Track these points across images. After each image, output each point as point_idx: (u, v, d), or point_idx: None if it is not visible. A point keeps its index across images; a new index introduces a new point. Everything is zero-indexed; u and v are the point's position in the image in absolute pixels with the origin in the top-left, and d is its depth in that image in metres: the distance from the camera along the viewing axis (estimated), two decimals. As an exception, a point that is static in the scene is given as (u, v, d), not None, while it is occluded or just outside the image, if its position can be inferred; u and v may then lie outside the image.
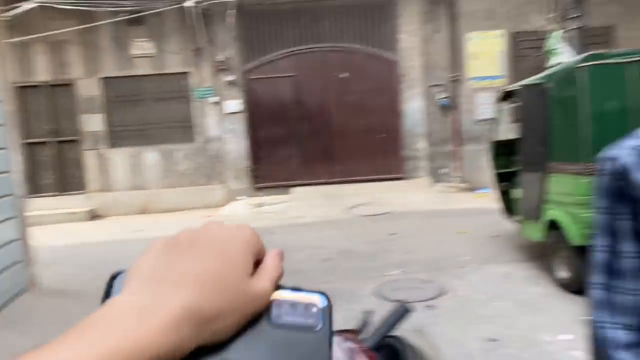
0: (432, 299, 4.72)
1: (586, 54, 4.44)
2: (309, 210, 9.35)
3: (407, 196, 9.97)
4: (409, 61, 10.79)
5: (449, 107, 10.84)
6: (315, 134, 10.95)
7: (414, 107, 10.94)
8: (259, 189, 11.02)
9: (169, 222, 9.52)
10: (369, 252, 6.46)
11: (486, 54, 10.56)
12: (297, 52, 10.74)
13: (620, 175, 0.96)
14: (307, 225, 8.37)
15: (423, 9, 10.64)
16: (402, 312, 1.42)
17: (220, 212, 10.09)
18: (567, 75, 4.48)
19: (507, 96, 6.01)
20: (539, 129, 4.87)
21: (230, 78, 10.64)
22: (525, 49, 10.51)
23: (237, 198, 10.84)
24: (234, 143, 10.93)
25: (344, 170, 11.01)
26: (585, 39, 8.90)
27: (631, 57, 4.37)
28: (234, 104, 10.79)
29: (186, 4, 10.09)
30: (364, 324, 1.40)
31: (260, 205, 10.22)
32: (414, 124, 11.00)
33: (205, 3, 10.16)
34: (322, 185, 10.84)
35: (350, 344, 1.26)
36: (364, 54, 10.76)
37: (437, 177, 11.07)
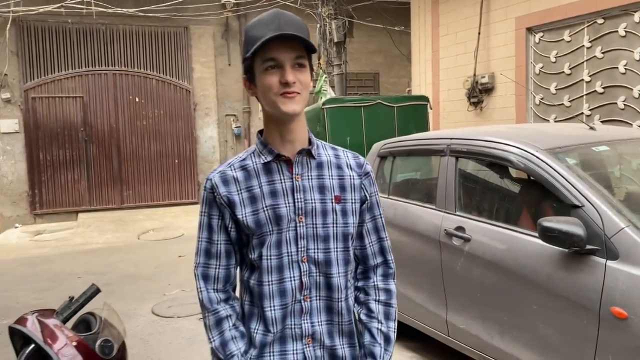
0: (204, 311, 5.11)
1: (328, 97, 5.44)
2: (96, 236, 9.06)
3: (201, 220, 10.29)
4: (203, 90, 11.27)
5: (242, 135, 11.56)
6: (105, 158, 10.67)
7: (208, 134, 11.41)
8: (40, 215, 10.27)
9: None
10: (152, 275, 6.57)
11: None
12: (85, 73, 10.42)
13: (212, 189, 1.43)
14: (92, 252, 8.09)
15: (216, 43, 11.27)
16: (92, 291, 1.80)
17: (-9, 242, 9.17)
18: (314, 114, 5.39)
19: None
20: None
21: (5, 95, 9.84)
22: (308, 87, 11.77)
23: (15, 226, 9.96)
24: (9, 165, 10.05)
25: (136, 195, 10.91)
26: (354, 81, 10.43)
27: (362, 102, 5.47)
28: (10, 123, 9.96)
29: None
30: (65, 305, 1.76)
31: (39, 232, 9.55)
32: (208, 150, 11.45)
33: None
34: (113, 210, 10.58)
35: (46, 320, 1.60)
36: (157, 80, 10.93)
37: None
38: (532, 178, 3.12)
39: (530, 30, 5.77)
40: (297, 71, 1.34)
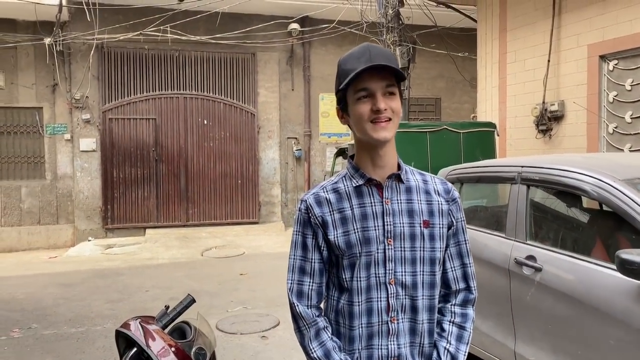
0: (266, 330, 5.16)
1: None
2: (163, 252, 9.43)
3: (261, 239, 10.40)
4: (267, 114, 11.62)
5: (302, 158, 11.80)
6: (173, 177, 11.16)
7: (270, 156, 11.71)
8: (112, 229, 10.83)
9: (8, 262, 9.00)
10: (216, 291, 6.73)
11: (335, 113, 11.72)
12: (158, 96, 11.02)
13: (307, 210, 1.53)
14: (159, 267, 8.41)
15: (280, 69, 11.64)
16: (188, 301, 1.93)
17: (66, 253, 9.74)
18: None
19: (342, 152, 6.90)
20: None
21: (86, 116, 10.55)
22: (369, 111, 11.89)
23: (88, 239, 10.54)
24: (86, 182, 10.71)
25: (200, 213, 11.30)
26: (415, 107, 10.44)
27: (428, 128, 5.49)
28: (89, 142, 10.64)
29: (46, 41, 9.96)
30: (163, 313, 1.90)
31: (110, 246, 10.05)
32: (270, 171, 11.74)
33: (65, 41, 10.11)
34: (178, 227, 11.00)
35: (147, 326, 1.74)
36: (224, 103, 11.38)
37: (289, 221, 11.77)
38: (605, 208, 3.04)
39: (603, 58, 5.63)
40: (388, 99, 1.43)
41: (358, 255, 1.46)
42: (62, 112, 10.54)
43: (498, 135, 5.87)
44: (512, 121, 6.73)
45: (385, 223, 1.47)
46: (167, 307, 1.86)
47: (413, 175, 1.57)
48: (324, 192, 1.53)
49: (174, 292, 6.58)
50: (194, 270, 8.05)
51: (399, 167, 1.53)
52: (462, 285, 1.60)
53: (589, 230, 3.37)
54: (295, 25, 11.13)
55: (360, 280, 1.47)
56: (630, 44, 5.21)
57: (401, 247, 1.48)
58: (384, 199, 1.49)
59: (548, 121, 6.11)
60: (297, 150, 11.68)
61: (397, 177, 1.51)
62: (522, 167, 3.45)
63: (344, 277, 1.48)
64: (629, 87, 5.39)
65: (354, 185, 1.51)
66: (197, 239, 10.36)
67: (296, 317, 1.51)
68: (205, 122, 11.28)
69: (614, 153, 4.95)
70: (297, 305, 1.50)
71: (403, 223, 1.49)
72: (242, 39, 10.85)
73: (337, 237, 1.47)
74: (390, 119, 1.43)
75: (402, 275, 1.48)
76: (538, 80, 6.25)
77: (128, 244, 10.12)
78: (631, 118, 5.29)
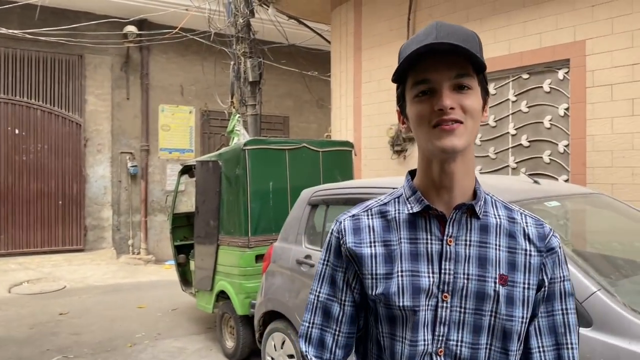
0: (93, 385, 4.28)
1: (250, 138, 4.97)
2: (-46, 290, 7.60)
3: (87, 270, 9.16)
4: (97, 125, 10.24)
5: (139, 175, 10.61)
6: (-27, 197, 9.18)
7: (100, 173, 10.31)
8: None
9: None
10: (26, 338, 5.53)
11: (177, 127, 10.87)
12: (-46, 98, 9.03)
13: (339, 235, 1.14)
14: (-53, 310, 6.74)
15: (114, 75, 10.38)
16: None
17: None
18: (234, 155, 4.87)
19: (187, 170, 6.18)
20: (213, 203, 5.10)
21: None
22: (214, 127, 11.24)
23: None
24: None
25: (9, 241, 9.43)
26: (264, 124, 10.06)
27: (286, 145, 5.07)
28: None
29: None
30: None
31: None
32: (99, 191, 10.32)
33: None
34: (-22, 258, 9.02)
35: None
36: (42, 110, 9.73)
37: (123, 248, 10.51)
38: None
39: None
40: (459, 94, 1.01)
41: (399, 308, 1.07)
42: None
43: (356, 154, 5.69)
44: (367, 141, 6.65)
45: (443, 270, 1.06)
46: None
47: (495, 209, 1.12)
48: (367, 215, 1.14)
49: (-34, 346, 5.22)
50: (-3, 313, 6.58)
51: (475, 195, 1.10)
52: None
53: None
54: (131, 28, 10.03)
55: (402, 342, 1.07)
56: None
57: (461, 307, 1.06)
58: (445, 237, 1.07)
59: (403, 142, 6.11)
60: (132, 166, 10.45)
61: (469, 209, 1.08)
62: (394, 188, 3.17)
63: (381, 330, 1.10)
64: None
65: (408, 212, 1.10)
66: (3, 272, 8.61)
67: None
68: (17, 131, 9.52)
69: (483, 175, 5.04)
70: (315, 358, 1.14)
71: (469, 274, 1.06)
72: (67, 37, 9.42)
73: (373, 278, 1.09)
74: (461, 122, 1.01)
75: (457, 345, 1.05)
76: (393, 101, 6.13)
77: None
78: (481, 141, 5.47)
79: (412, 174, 1.16)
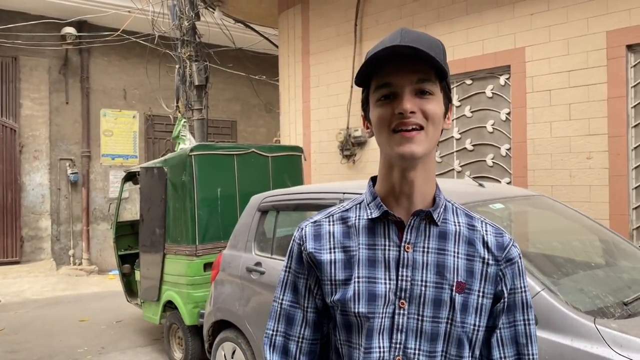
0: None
1: (197, 144, 4.85)
2: None
3: (24, 283, 8.71)
4: (33, 130, 9.74)
5: (80, 183, 10.17)
6: None
7: (37, 181, 9.80)
8: None
9: None
10: (-46, 361, 5.16)
11: (120, 132, 10.50)
12: None
13: (300, 241, 1.14)
14: None
15: (52, 78, 9.91)
16: None
17: None
18: (180, 161, 4.74)
19: (131, 177, 5.97)
20: (158, 211, 4.94)
21: None
22: (159, 132, 10.94)
23: None
24: None
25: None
26: (211, 128, 9.89)
27: (235, 150, 4.98)
28: None
29: None
30: None
31: None
32: (36, 199, 9.81)
33: None
34: None
35: None
36: (-27, 116, 9.19)
37: (63, 259, 10.04)
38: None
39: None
40: (421, 99, 1.01)
41: (354, 314, 1.06)
42: None
43: (305, 159, 5.66)
44: (316, 146, 6.64)
45: (400, 277, 1.06)
46: None
47: (455, 216, 1.12)
48: (328, 221, 1.15)
49: None
50: None
51: (434, 202, 1.09)
52: None
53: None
54: (70, 29, 9.63)
55: (359, 349, 1.06)
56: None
57: (418, 315, 1.05)
58: (403, 244, 1.07)
59: (352, 146, 6.14)
60: (72, 173, 10.00)
61: (428, 216, 1.08)
62: (344, 193, 3.18)
63: (339, 337, 1.11)
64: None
65: (367, 217, 1.10)
66: None
67: None
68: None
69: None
70: None
71: (426, 281, 1.06)
72: (0, 38, 8.93)
73: (332, 284, 1.09)
74: (422, 127, 1.01)
75: (414, 354, 1.05)
76: (342, 105, 6.26)
77: None
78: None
79: (374, 180, 1.15)
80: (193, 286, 4.48)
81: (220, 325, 3.94)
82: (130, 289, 6.00)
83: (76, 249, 10.22)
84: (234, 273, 3.80)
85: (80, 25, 9.83)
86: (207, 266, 4.45)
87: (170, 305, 4.84)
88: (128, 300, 5.96)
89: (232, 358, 3.83)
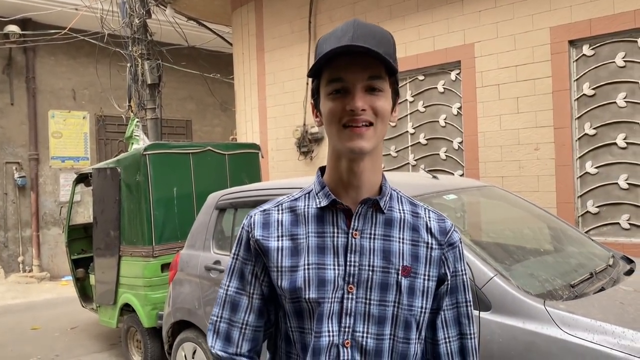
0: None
1: (151, 143, 4.75)
2: None
3: (-30, 293, 8.30)
4: (-24, 133, 9.31)
5: (28, 187, 9.78)
6: None
7: (-19, 186, 9.37)
8: None
9: None
10: None
11: (70, 133, 10.16)
12: None
13: (249, 229, 1.15)
14: None
15: (-5, 78, 9.50)
16: None
17: None
18: (133, 161, 4.64)
19: (83, 179, 5.80)
20: (112, 213, 4.82)
21: None
22: (111, 132, 10.65)
23: None
24: None
25: None
26: (165, 128, 9.70)
27: (190, 149, 4.91)
28: None
29: None
30: None
31: None
32: (-19, 205, 9.38)
33: None
34: None
35: None
36: None
37: (12, 266, 9.64)
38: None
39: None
40: (371, 95, 1.04)
41: (305, 300, 1.08)
42: None
43: (262, 157, 5.64)
44: (273, 143, 6.63)
45: (348, 263, 1.09)
46: None
47: (400, 204, 1.16)
48: (277, 210, 1.17)
49: None
50: None
51: (381, 191, 1.13)
52: None
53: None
54: (13, 28, 9.24)
55: (311, 334, 1.09)
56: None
57: (366, 299, 1.09)
58: (351, 231, 1.10)
59: (309, 143, 6.16)
60: (20, 177, 9.61)
61: (374, 204, 1.12)
62: (302, 188, 3.18)
63: (290, 324, 1.12)
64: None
65: (316, 206, 1.12)
66: None
67: None
68: None
69: (387, 173, 5.19)
70: (219, 351, 1.15)
71: (373, 266, 1.09)
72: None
73: (279, 271, 1.11)
74: (371, 123, 1.04)
75: (362, 336, 1.08)
76: (298, 102, 6.27)
77: None
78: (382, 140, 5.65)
79: (322, 170, 1.18)
80: (151, 287, 4.40)
81: (180, 326, 3.88)
82: (85, 293, 5.83)
83: (26, 255, 9.83)
84: (193, 272, 3.76)
85: (25, 23, 9.44)
86: (165, 267, 4.38)
87: (127, 308, 4.74)
88: (83, 306, 5.79)
89: (193, 358, 3.79)
